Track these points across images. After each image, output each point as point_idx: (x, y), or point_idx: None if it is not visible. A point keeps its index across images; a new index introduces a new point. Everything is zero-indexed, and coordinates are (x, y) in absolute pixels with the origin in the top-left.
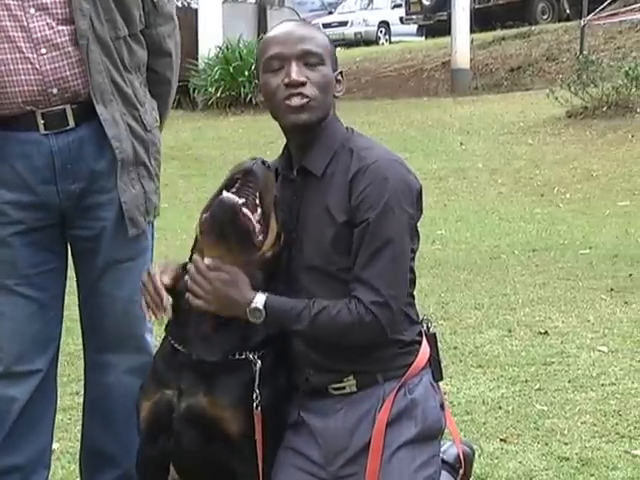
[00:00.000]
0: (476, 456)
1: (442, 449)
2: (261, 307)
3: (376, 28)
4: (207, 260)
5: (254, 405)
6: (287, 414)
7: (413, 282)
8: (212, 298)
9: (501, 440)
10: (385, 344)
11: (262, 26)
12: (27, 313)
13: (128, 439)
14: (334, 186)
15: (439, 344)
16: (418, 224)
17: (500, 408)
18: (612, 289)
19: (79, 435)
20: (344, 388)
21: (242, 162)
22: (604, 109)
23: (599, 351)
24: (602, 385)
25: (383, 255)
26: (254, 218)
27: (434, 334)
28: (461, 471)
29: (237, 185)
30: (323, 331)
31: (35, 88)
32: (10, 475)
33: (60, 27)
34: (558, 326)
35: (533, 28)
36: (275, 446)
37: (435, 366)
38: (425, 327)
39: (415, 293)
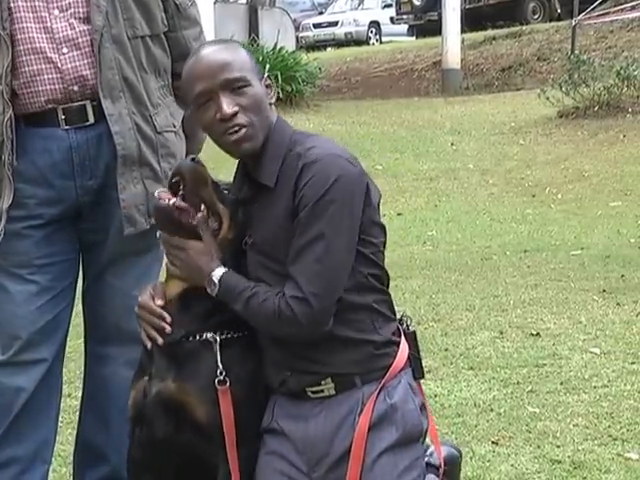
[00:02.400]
0: (467, 459)
1: (428, 452)
2: (216, 280)
3: (367, 28)
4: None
5: (216, 381)
6: (262, 406)
7: (387, 279)
8: (184, 265)
9: (493, 443)
10: (354, 344)
11: (253, 27)
12: (39, 303)
13: (120, 435)
14: (285, 192)
15: (431, 346)
16: (380, 218)
17: (492, 410)
18: (604, 290)
19: (71, 438)
20: (322, 391)
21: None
22: (595, 109)
23: (591, 353)
24: (594, 387)
25: (309, 251)
26: (193, 210)
27: (413, 332)
28: (441, 470)
29: (175, 187)
30: (252, 316)
31: (57, 87)
32: (8, 467)
33: (82, 27)
34: (550, 328)
35: (524, 28)
36: (251, 436)
37: (415, 365)
38: (405, 325)
39: (406, 295)
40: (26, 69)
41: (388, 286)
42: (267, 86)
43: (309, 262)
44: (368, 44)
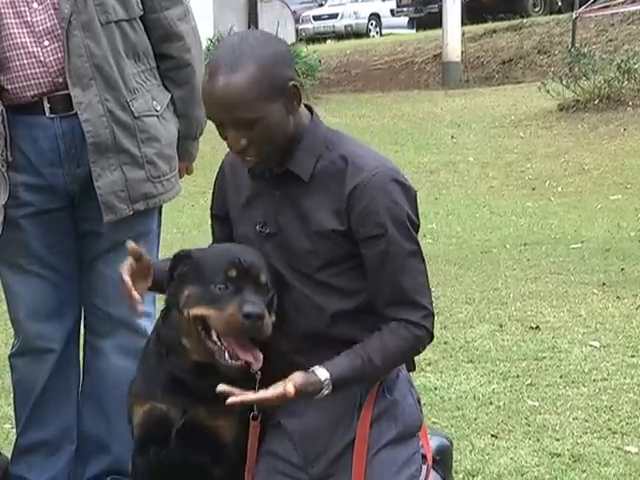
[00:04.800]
0: (467, 452)
1: (421, 444)
2: (329, 390)
3: (367, 20)
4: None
5: (251, 415)
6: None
7: None
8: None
9: (492, 436)
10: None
11: (252, 18)
12: (41, 292)
13: (119, 425)
14: (325, 192)
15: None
16: None
17: (491, 403)
18: (604, 283)
19: None
20: None
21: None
22: (596, 102)
23: (591, 346)
24: (594, 380)
25: (410, 268)
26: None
27: None
28: (429, 460)
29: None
30: (390, 366)
31: (42, 81)
32: (37, 450)
33: (59, 17)
34: (550, 321)
35: (525, 21)
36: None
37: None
38: None
39: None
40: (11, 65)
41: None
42: (292, 93)
43: (416, 278)
44: (368, 37)
